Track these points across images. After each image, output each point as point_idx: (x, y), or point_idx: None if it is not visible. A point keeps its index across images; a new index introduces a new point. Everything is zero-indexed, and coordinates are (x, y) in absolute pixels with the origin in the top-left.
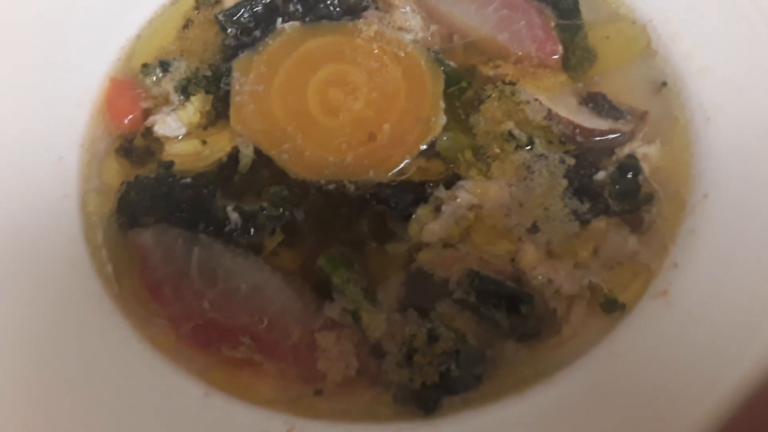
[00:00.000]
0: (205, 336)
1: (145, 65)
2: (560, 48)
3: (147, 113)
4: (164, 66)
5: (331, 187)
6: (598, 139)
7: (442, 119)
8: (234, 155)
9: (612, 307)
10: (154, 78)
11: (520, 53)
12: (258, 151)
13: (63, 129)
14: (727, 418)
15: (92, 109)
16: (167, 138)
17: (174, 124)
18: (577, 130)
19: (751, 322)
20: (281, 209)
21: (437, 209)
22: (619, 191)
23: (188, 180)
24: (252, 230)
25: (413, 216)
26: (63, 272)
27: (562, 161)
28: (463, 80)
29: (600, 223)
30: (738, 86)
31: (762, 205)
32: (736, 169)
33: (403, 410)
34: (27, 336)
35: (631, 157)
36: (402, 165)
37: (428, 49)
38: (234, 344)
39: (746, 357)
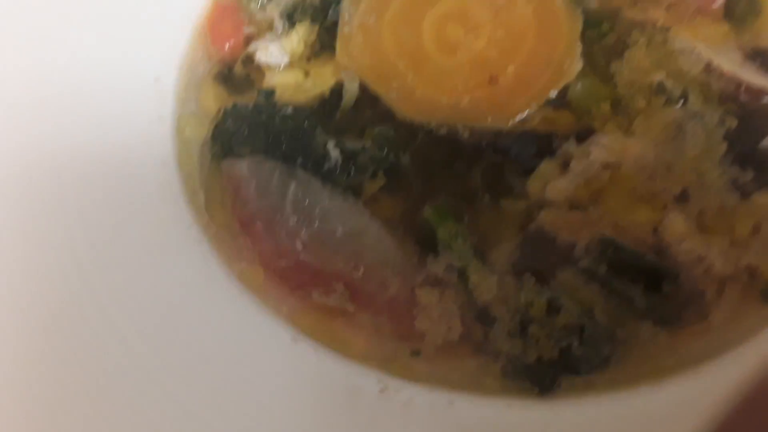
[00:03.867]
0: (296, 278)
1: None
2: None
3: (249, 39)
4: None
5: (443, 131)
6: (765, 100)
7: (578, 64)
8: (338, 90)
9: None
10: (260, 3)
11: None
12: (364, 88)
13: (162, 49)
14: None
15: (193, 32)
16: (268, 66)
17: (276, 53)
18: (742, 88)
19: None
20: (385, 151)
21: (565, 165)
22: None
23: (289, 111)
24: (353, 170)
25: (536, 170)
26: (153, 195)
27: (723, 122)
28: (605, 22)
29: (764, 198)
30: None
31: None
32: None
33: (514, 385)
34: (115, 257)
35: None
36: (526, 113)
37: None
38: (326, 290)
39: None
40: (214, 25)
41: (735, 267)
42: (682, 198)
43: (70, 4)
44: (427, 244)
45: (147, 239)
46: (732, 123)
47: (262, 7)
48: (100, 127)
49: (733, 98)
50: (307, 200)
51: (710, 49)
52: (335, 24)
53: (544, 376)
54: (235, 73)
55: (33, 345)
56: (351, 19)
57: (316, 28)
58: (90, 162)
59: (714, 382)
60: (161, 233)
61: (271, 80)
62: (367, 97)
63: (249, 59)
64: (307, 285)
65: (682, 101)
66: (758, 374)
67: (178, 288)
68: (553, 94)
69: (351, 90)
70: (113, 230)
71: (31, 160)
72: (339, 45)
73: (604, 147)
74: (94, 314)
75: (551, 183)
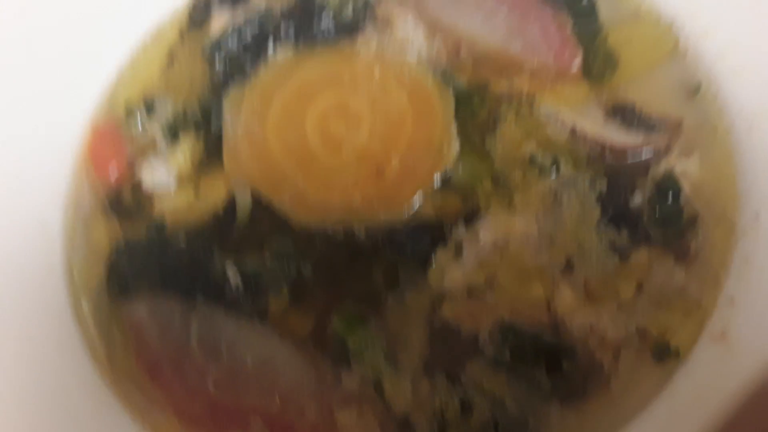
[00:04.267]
0: (212, 421)
1: (129, 109)
2: (579, 56)
3: (133, 162)
4: (149, 108)
5: (340, 234)
6: (629, 157)
7: (456, 146)
8: (230, 204)
9: (664, 354)
10: (139, 122)
11: (535, 64)
12: (256, 197)
13: (44, 190)
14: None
15: (74, 164)
16: (157, 191)
17: (163, 175)
18: (606, 149)
19: None
20: (286, 265)
21: (458, 251)
22: (660, 216)
23: (182, 242)
24: (255, 292)
25: (432, 262)
26: (53, 357)
27: (593, 186)
28: (475, 99)
29: (641, 255)
30: None
31: None
32: None
33: None
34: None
35: (669, 175)
36: (415, 203)
37: (434, 67)
38: (244, 428)
39: None
40: (95, 154)
41: (626, 331)
42: (568, 269)
43: None
44: (339, 357)
45: (50, 403)
46: (602, 185)
47: (143, 125)
48: None
49: (600, 159)
50: (212, 335)
51: (573, 112)
52: (220, 133)
53: None
54: (124, 201)
55: None
56: (235, 127)
57: (201, 140)
58: None
59: None
60: (64, 395)
61: (162, 204)
62: (261, 206)
63: (137, 185)
64: (224, 427)
65: (554, 170)
66: (758, 378)
67: None
68: (437, 179)
69: (243, 203)
70: (15, 397)
71: None
72: (226, 156)
73: (491, 228)
74: None
75: (448, 272)
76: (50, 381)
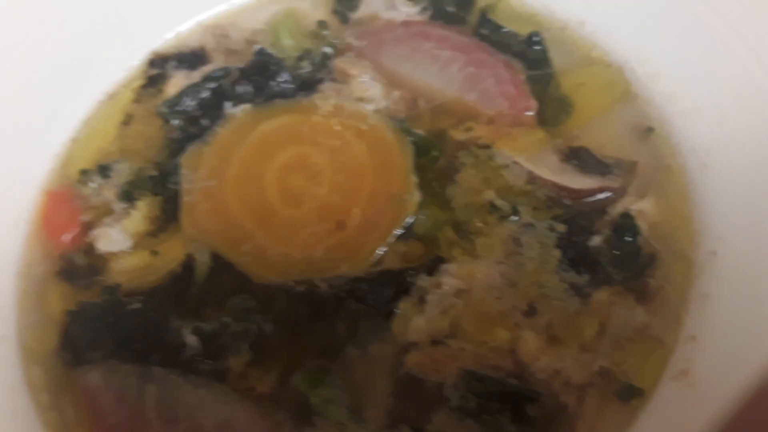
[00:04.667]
0: None
1: (83, 172)
2: (534, 102)
3: (88, 227)
4: (104, 171)
5: (301, 288)
6: (587, 199)
7: (416, 195)
8: (189, 264)
9: (628, 394)
10: (94, 186)
11: (491, 113)
12: (215, 256)
13: None
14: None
15: (27, 230)
16: (112, 253)
17: (118, 237)
18: (564, 192)
19: None
20: (246, 323)
21: (421, 300)
22: (619, 256)
23: (137, 305)
24: (214, 353)
25: (396, 312)
26: (5, 427)
27: (552, 229)
28: (434, 149)
29: (602, 296)
30: (733, 125)
31: None
32: (743, 218)
33: None
34: None
35: (626, 215)
36: (377, 253)
37: (392, 118)
38: None
39: None
40: (49, 219)
41: (589, 372)
42: (530, 313)
43: None
44: (301, 415)
45: None
46: (561, 228)
47: (98, 189)
48: None
49: (558, 203)
50: (169, 400)
51: (530, 158)
52: (177, 193)
53: None
54: (78, 267)
55: None
56: (192, 186)
57: (158, 200)
58: None
59: None
60: None
61: (117, 267)
62: (220, 265)
63: (91, 248)
64: None
65: (514, 215)
66: (758, 383)
67: None
68: (398, 229)
69: (202, 261)
70: None
71: None
72: (184, 215)
73: (453, 275)
74: None
75: (412, 321)
76: None
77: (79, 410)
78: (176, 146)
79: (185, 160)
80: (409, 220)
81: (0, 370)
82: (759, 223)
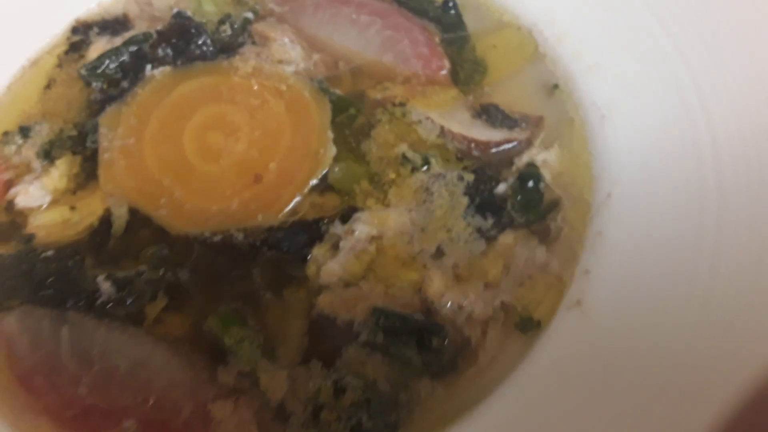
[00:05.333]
0: (86, 424)
1: (4, 134)
2: (447, 63)
3: (9, 185)
4: (24, 132)
5: (217, 238)
6: (495, 150)
7: (332, 150)
8: (107, 218)
9: (528, 326)
10: (14, 146)
11: (407, 73)
12: (134, 211)
13: None
14: (729, 420)
15: None
16: (31, 209)
17: (38, 193)
18: (473, 144)
19: (668, 323)
20: (161, 270)
21: (335, 246)
22: (522, 202)
23: (50, 253)
24: (129, 299)
25: (309, 257)
26: None
27: (461, 178)
28: (352, 107)
29: (507, 238)
30: (629, 80)
31: (666, 198)
32: (637, 164)
33: None
34: None
35: (531, 165)
36: (293, 204)
37: (312, 79)
38: (119, 430)
39: (667, 360)
40: None
41: (492, 308)
42: (438, 255)
43: None
44: (216, 355)
45: None
46: (469, 177)
47: (18, 149)
48: None
49: (467, 154)
50: (83, 342)
51: (442, 114)
52: (96, 152)
53: None
54: None
55: None
56: (111, 144)
57: (78, 159)
58: None
59: (489, 420)
60: None
61: (36, 222)
62: (138, 219)
63: (11, 205)
64: (98, 429)
65: (425, 166)
66: (758, 382)
67: None
68: (314, 181)
69: (119, 216)
70: None
71: None
72: (101, 172)
73: (366, 223)
74: None
75: (324, 266)
76: None
77: None
78: (96, 107)
79: (104, 119)
80: (325, 172)
81: None
82: (650, 167)
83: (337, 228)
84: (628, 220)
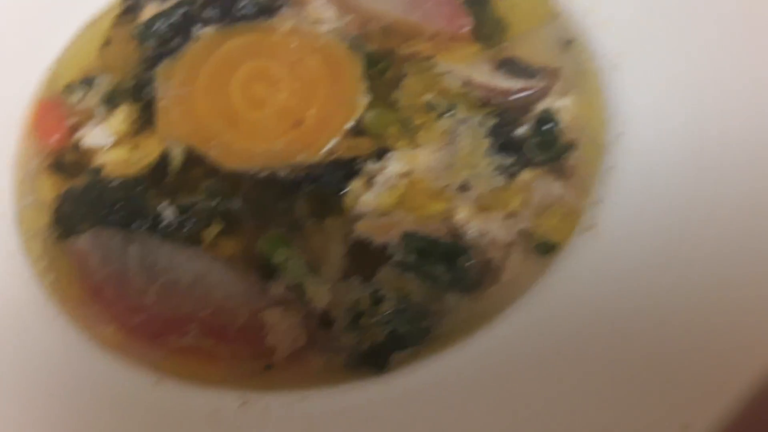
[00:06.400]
0: (152, 329)
1: (68, 85)
2: (469, 20)
3: (75, 129)
4: (87, 83)
5: (264, 174)
6: (514, 98)
7: (365, 98)
8: (164, 157)
9: (545, 248)
10: (79, 96)
11: (432, 30)
12: (188, 151)
13: None
14: (730, 420)
15: (21, 132)
16: (96, 149)
17: (101, 135)
18: (494, 93)
19: (672, 243)
20: (215, 201)
21: (370, 181)
22: (540, 142)
23: (117, 182)
24: (188, 224)
25: (347, 190)
26: (4, 285)
27: (483, 122)
28: (382, 61)
29: (526, 175)
30: (639, 33)
31: (672, 135)
32: (645, 104)
33: (355, 372)
34: None
35: (547, 110)
36: (330, 145)
37: (344, 37)
38: (181, 333)
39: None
40: (40, 123)
41: (512, 233)
42: (464, 188)
43: None
44: (266, 271)
45: (4, 323)
46: (491, 122)
47: (83, 98)
48: None
49: (489, 102)
50: (149, 258)
51: (465, 67)
52: (152, 101)
53: (377, 356)
54: (67, 161)
55: None
56: (166, 93)
57: (136, 107)
58: None
59: (512, 327)
60: (18, 316)
61: (101, 159)
62: (192, 158)
63: (77, 146)
64: (163, 333)
65: (450, 112)
66: (760, 381)
67: (43, 362)
68: (349, 125)
69: (176, 155)
70: None
71: None
72: (159, 118)
73: (398, 160)
74: None
75: (361, 198)
76: (5, 308)
77: (71, 271)
78: (151, 63)
79: (159, 72)
80: (359, 118)
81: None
82: (657, 106)
83: (372, 165)
84: (637, 155)
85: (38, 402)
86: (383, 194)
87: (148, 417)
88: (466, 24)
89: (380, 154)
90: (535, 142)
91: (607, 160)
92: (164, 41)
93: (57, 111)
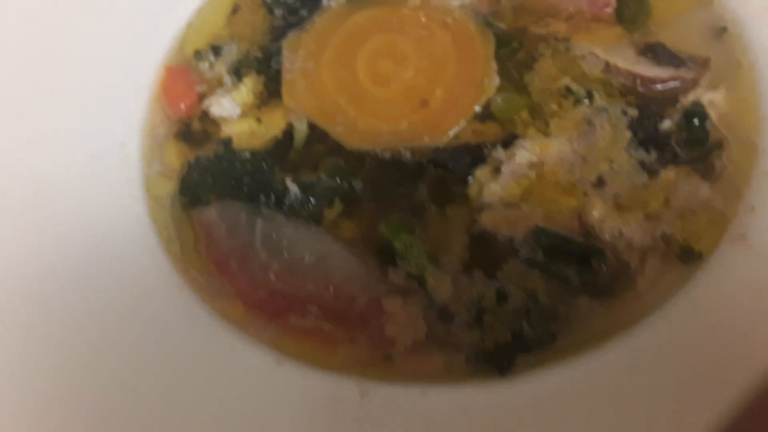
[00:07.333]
0: (273, 306)
1: (197, 52)
2: (613, 0)
3: (202, 97)
4: (216, 51)
5: (387, 155)
6: (660, 88)
7: (495, 80)
8: (289, 131)
9: (689, 256)
10: (207, 63)
11: (571, 9)
12: (312, 126)
13: (123, 117)
14: (732, 417)
15: (149, 97)
16: (223, 119)
17: (229, 105)
18: (638, 80)
19: None
20: (338, 179)
21: (497, 170)
22: (687, 139)
23: (247, 155)
24: (312, 201)
25: (472, 178)
26: (131, 251)
27: (625, 113)
28: (514, 41)
29: (669, 173)
30: None
31: None
32: None
33: (477, 371)
34: (99, 310)
35: (697, 104)
36: (457, 129)
37: (476, 13)
38: (302, 313)
39: None
40: (168, 89)
41: (652, 237)
42: (599, 184)
43: (35, 84)
44: (386, 257)
45: (131, 290)
46: (633, 112)
47: (211, 65)
48: (74, 194)
49: (631, 90)
50: (274, 234)
51: (607, 50)
52: (279, 73)
53: (502, 358)
54: (194, 130)
55: (43, 397)
56: (292, 66)
57: (262, 78)
58: (72, 225)
59: (647, 340)
60: (143, 283)
61: (227, 130)
62: (316, 134)
63: (205, 115)
64: (284, 311)
65: (588, 100)
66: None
67: (163, 333)
68: (477, 109)
69: (300, 130)
70: (100, 283)
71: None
72: (284, 91)
73: (527, 149)
74: (95, 366)
75: (486, 187)
76: (131, 273)
77: (195, 239)
78: (278, 32)
79: (287, 43)
80: (488, 101)
81: (127, 207)
82: None
83: (500, 152)
84: None
85: (159, 373)
86: (510, 184)
87: (269, 397)
88: (609, 3)
89: (509, 141)
90: (683, 138)
91: (760, 164)
92: (293, 11)
93: (186, 77)
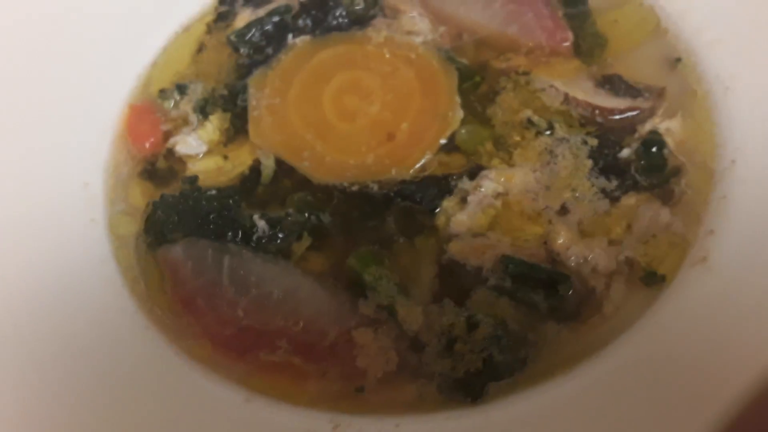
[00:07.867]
0: (242, 343)
1: (162, 90)
2: (570, 35)
3: (167, 135)
4: (181, 89)
5: (355, 188)
6: (618, 117)
7: (459, 113)
8: (256, 167)
9: (652, 280)
10: (172, 102)
11: (530, 44)
12: (279, 162)
13: (87, 156)
14: (732, 418)
15: (114, 136)
16: (189, 156)
17: (194, 143)
18: (596, 111)
19: None
20: (306, 214)
21: (463, 200)
22: (646, 166)
23: (213, 192)
24: (279, 236)
25: (439, 209)
26: (96, 293)
27: (585, 142)
28: (477, 75)
29: (630, 199)
30: (753, 53)
31: None
32: (759, 131)
33: (450, 399)
34: (64, 355)
35: (654, 132)
36: (423, 161)
37: (439, 49)
38: (271, 348)
39: None
40: (132, 127)
41: (616, 262)
42: (563, 212)
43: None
44: (356, 289)
45: (95, 332)
46: (593, 142)
47: (176, 104)
48: (36, 235)
49: (590, 121)
50: (242, 270)
51: (566, 83)
52: (245, 110)
53: (473, 386)
54: (159, 168)
55: None
56: (259, 103)
57: (228, 115)
58: (32, 267)
59: (615, 363)
60: (108, 325)
61: (193, 168)
62: (283, 169)
63: (170, 153)
64: (253, 348)
65: (549, 131)
66: (761, 380)
67: (129, 374)
68: (443, 141)
69: (267, 165)
70: (59, 329)
71: None
72: (251, 127)
73: (492, 179)
74: (59, 411)
75: (454, 217)
76: (96, 315)
77: (161, 278)
78: (244, 70)
79: (252, 81)
80: (453, 133)
81: (91, 248)
82: None
83: (466, 183)
84: (752, 185)
85: (126, 413)
86: (477, 214)
87: None
88: (566, 38)
89: (474, 172)
90: (642, 165)
91: (718, 189)
92: (258, 49)
93: (150, 116)
